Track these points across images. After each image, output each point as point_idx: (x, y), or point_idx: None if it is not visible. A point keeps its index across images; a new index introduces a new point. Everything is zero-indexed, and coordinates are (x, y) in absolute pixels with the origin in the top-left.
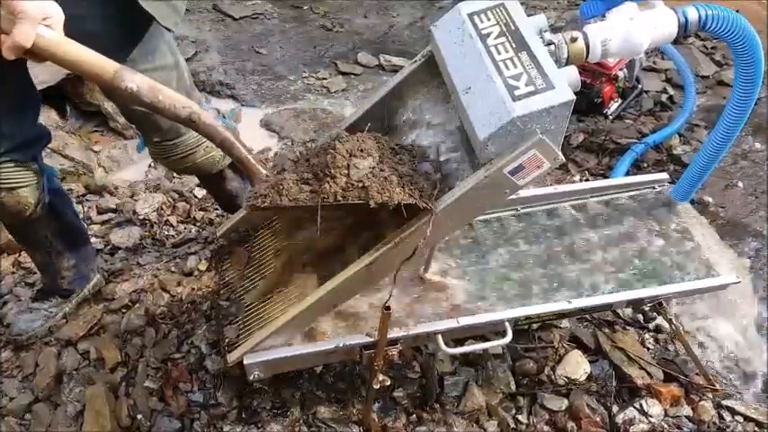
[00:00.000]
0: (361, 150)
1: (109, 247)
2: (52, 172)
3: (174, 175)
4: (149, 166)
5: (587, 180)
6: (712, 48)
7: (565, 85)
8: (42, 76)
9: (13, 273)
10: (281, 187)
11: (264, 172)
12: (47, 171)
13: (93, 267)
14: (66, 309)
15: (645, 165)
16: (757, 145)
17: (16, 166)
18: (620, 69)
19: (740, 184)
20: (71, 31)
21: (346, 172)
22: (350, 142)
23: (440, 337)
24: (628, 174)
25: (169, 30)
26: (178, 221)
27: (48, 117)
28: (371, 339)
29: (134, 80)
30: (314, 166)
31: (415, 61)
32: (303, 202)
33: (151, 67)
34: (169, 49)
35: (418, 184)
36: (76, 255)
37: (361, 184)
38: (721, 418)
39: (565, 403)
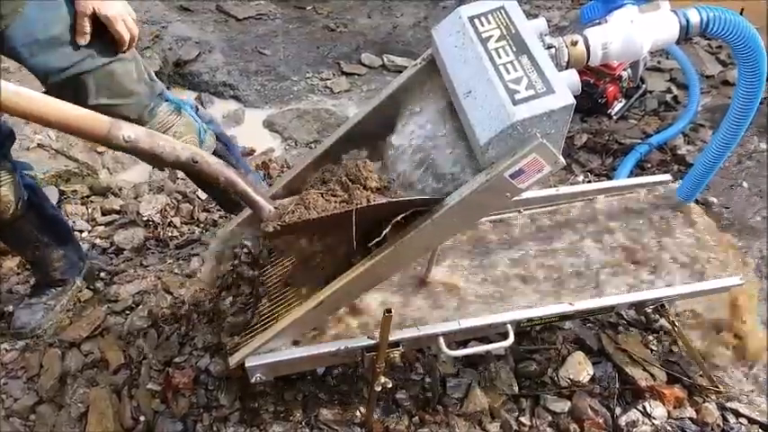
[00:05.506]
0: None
1: (113, 249)
2: (24, 167)
3: (178, 175)
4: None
5: (590, 181)
6: (717, 47)
7: (565, 88)
8: None
9: (18, 274)
10: (308, 201)
11: (269, 207)
12: (19, 167)
13: (80, 254)
14: (63, 300)
15: (649, 165)
16: (762, 145)
17: None
18: (625, 69)
19: (745, 184)
20: (37, 36)
21: (376, 176)
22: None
23: (442, 339)
24: (631, 174)
25: None
26: (181, 223)
27: None
28: (373, 342)
29: (130, 129)
30: (336, 180)
31: (417, 64)
32: (335, 211)
33: (112, 59)
34: None
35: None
36: (63, 245)
37: (390, 186)
38: (725, 420)
39: (567, 405)
